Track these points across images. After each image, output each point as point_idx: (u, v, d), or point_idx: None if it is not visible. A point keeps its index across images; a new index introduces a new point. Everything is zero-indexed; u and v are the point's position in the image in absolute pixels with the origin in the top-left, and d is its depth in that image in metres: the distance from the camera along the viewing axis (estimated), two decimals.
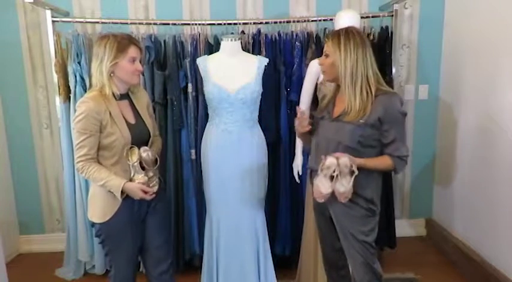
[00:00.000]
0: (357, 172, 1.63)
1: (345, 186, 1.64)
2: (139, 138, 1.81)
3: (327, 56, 1.76)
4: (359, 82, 1.68)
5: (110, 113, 1.74)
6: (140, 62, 1.83)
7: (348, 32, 1.71)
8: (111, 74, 1.76)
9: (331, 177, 1.65)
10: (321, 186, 1.67)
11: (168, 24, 2.73)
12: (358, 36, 1.70)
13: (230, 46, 2.26)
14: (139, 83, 1.94)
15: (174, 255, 2.45)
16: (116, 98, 1.79)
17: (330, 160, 1.63)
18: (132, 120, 1.83)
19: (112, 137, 1.74)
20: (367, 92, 1.69)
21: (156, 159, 1.84)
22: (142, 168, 1.79)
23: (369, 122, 1.68)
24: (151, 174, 1.82)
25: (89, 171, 1.73)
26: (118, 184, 1.72)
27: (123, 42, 1.75)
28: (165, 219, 2.02)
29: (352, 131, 1.69)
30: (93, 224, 1.86)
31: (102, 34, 1.84)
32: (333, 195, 1.69)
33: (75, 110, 2.59)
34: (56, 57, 2.66)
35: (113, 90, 1.77)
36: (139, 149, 1.78)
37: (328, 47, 1.74)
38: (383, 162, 1.73)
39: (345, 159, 1.62)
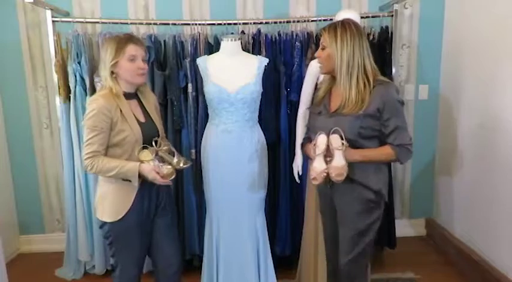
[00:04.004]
0: (347, 144, 1.65)
1: (338, 160, 1.64)
2: (149, 136, 1.82)
3: (323, 48, 1.75)
4: (355, 73, 1.68)
5: (121, 111, 1.76)
6: (144, 60, 1.83)
7: (344, 23, 1.72)
8: (113, 75, 1.78)
9: (325, 160, 1.68)
10: (316, 165, 1.69)
11: (168, 24, 2.73)
12: (354, 27, 1.71)
13: (230, 46, 2.26)
14: (146, 83, 1.94)
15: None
16: (126, 97, 1.80)
17: (321, 136, 1.69)
18: (142, 119, 1.85)
19: (123, 134, 1.75)
20: (364, 83, 1.68)
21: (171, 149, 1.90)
22: (163, 161, 1.82)
23: (367, 112, 1.67)
24: (175, 160, 1.85)
25: (99, 164, 1.71)
26: (134, 166, 1.72)
27: (121, 41, 1.77)
28: (174, 219, 2.03)
29: (352, 122, 1.68)
30: (101, 225, 1.85)
31: (107, 36, 1.86)
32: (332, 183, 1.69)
33: (75, 110, 2.66)
34: (56, 57, 2.66)
35: (119, 89, 1.79)
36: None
37: (325, 39, 1.74)
38: (384, 152, 1.71)
39: (335, 135, 1.65)
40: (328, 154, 1.69)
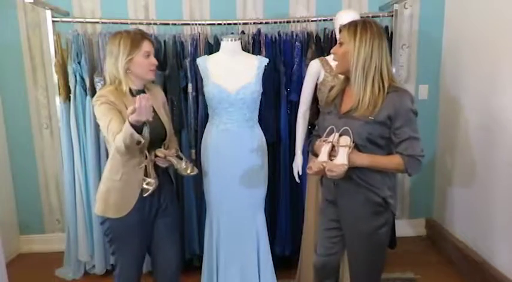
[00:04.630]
0: (352, 145, 1.62)
1: (340, 158, 1.61)
2: (156, 135, 1.79)
3: (341, 44, 1.70)
4: (371, 75, 1.62)
5: (127, 109, 1.73)
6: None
7: (366, 22, 1.66)
8: (127, 71, 1.77)
9: (329, 155, 1.66)
10: (319, 156, 1.67)
11: (168, 24, 2.73)
12: (375, 27, 1.65)
13: (230, 46, 2.26)
14: (154, 80, 1.94)
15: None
16: (132, 94, 1.78)
17: (331, 130, 1.68)
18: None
19: None
20: (379, 87, 1.63)
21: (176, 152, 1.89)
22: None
23: (378, 119, 1.62)
24: (183, 165, 1.86)
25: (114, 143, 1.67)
26: (126, 125, 1.56)
27: (136, 37, 1.76)
28: (175, 220, 2.01)
29: (361, 126, 1.64)
30: (102, 222, 1.84)
31: (115, 32, 1.83)
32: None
33: (75, 110, 2.66)
34: (56, 57, 2.65)
35: (130, 86, 1.78)
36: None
37: (343, 35, 1.68)
38: (394, 160, 1.66)
39: (346, 136, 1.63)
40: (333, 153, 1.66)
